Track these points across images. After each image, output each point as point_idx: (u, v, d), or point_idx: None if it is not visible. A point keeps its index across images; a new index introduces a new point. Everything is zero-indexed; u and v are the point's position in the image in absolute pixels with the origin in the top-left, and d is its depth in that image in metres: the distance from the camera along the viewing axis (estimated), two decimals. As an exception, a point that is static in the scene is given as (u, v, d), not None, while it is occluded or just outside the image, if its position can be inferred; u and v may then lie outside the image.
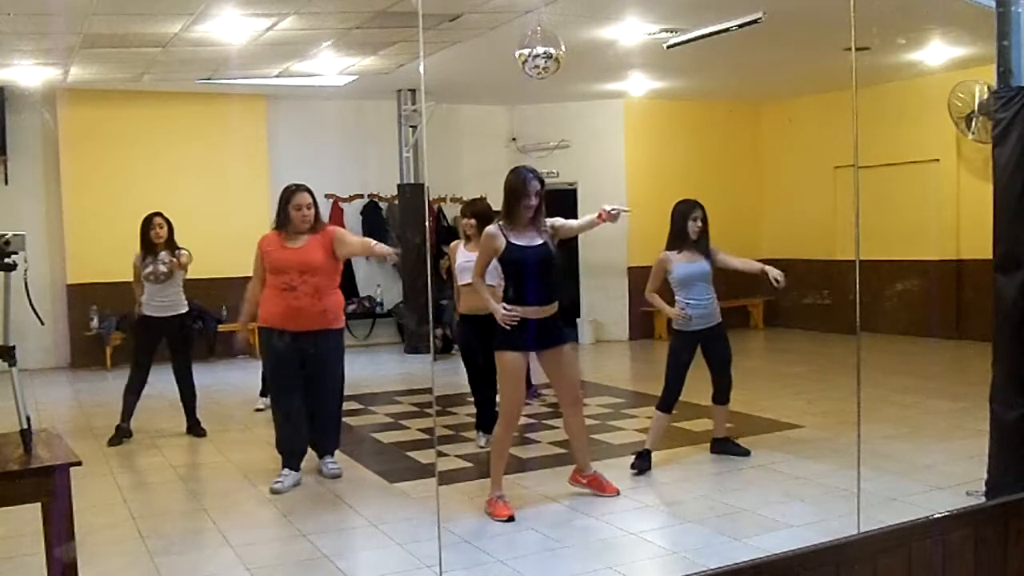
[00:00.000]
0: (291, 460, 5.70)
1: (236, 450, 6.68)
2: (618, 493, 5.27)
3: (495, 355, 4.97)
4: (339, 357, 5.86)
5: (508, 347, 4.89)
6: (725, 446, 6.11)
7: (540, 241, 4.93)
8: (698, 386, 6.15)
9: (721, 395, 6.01)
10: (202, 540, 4.83)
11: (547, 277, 4.93)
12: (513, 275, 4.93)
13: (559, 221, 5.08)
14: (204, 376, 8.57)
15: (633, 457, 5.85)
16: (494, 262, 5.04)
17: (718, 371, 5.98)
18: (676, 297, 5.82)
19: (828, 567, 2.35)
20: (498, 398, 5.34)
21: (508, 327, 4.84)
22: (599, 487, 5.28)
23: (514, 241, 4.89)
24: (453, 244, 6.73)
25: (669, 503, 5.27)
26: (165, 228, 7.01)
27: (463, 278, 6.24)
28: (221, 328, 11.00)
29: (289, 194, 5.67)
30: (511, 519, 4.83)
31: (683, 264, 5.74)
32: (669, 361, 5.83)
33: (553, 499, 5.27)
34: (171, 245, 7.01)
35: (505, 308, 4.84)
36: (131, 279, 7.17)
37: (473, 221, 6.35)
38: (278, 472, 5.68)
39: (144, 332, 7.06)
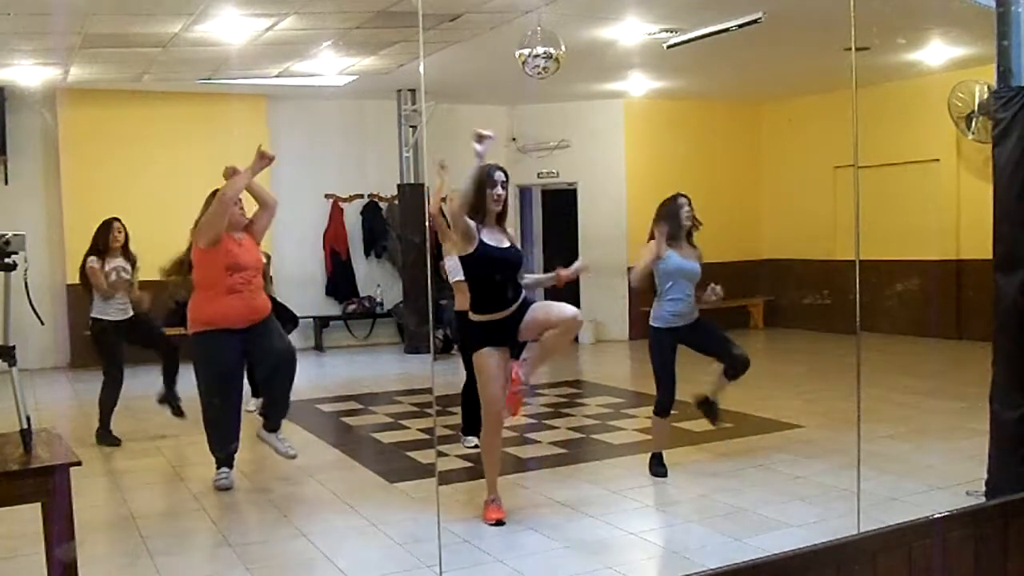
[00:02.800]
0: (228, 460, 5.72)
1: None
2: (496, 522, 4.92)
3: (474, 355, 4.86)
4: (280, 333, 5.77)
5: (482, 344, 4.80)
6: (708, 407, 5.86)
7: (507, 244, 4.87)
8: (695, 385, 6.13)
9: (734, 369, 5.66)
10: (202, 540, 4.83)
11: (514, 281, 4.85)
12: (480, 276, 4.79)
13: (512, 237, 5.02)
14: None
15: (633, 456, 5.83)
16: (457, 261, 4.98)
17: (722, 351, 5.70)
18: (660, 289, 5.66)
19: (828, 567, 2.35)
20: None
21: (481, 329, 4.79)
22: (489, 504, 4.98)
23: (485, 240, 4.77)
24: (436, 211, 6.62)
25: (669, 503, 5.27)
26: (124, 233, 7.06)
27: (456, 276, 6.22)
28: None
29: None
30: (500, 523, 4.78)
31: (677, 256, 5.63)
32: (653, 361, 5.67)
33: (553, 499, 5.27)
34: (126, 249, 7.07)
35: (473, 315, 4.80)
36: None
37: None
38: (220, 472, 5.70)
39: (109, 337, 7.01)
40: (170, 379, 7.19)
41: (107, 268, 6.98)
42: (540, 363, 5.02)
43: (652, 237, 5.72)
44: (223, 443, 5.70)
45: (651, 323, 5.72)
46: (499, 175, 4.85)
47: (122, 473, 6.18)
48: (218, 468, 5.72)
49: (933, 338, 11.22)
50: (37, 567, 3.47)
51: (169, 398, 7.17)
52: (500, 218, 4.89)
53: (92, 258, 7.02)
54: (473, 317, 4.85)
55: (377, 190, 12.61)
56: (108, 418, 7.01)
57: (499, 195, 4.82)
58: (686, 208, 5.72)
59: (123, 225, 7.10)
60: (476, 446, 6.40)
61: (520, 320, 4.79)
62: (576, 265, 5.24)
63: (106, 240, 6.99)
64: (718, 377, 5.81)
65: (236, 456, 5.79)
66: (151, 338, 7.22)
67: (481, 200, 4.78)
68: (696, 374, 5.98)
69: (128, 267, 7.04)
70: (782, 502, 5.11)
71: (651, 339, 5.72)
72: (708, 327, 5.77)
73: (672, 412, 5.73)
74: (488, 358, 4.79)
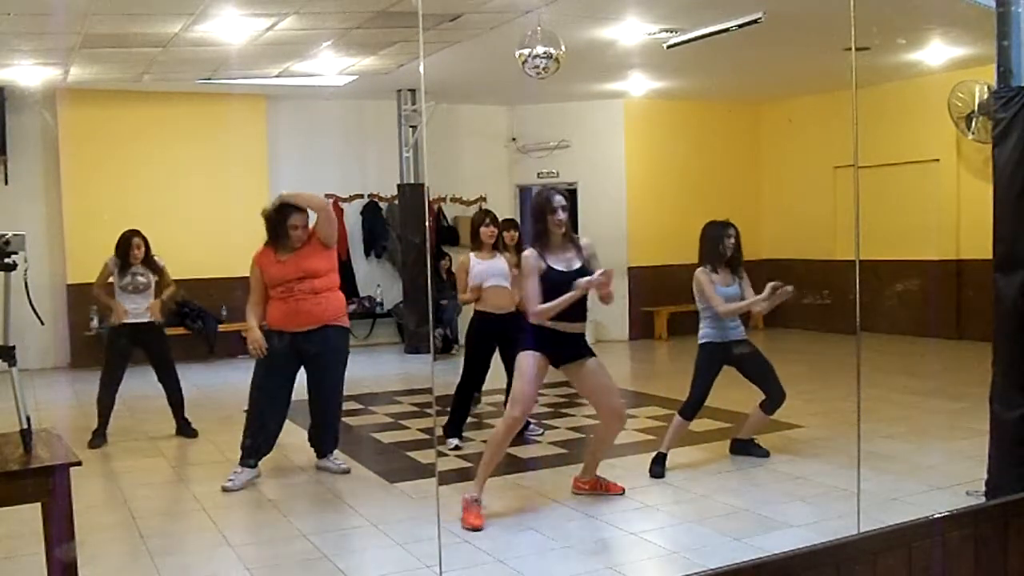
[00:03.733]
0: (252, 459, 5.77)
1: (236, 450, 6.63)
2: (623, 492, 5.28)
3: (518, 355, 4.94)
4: (341, 356, 5.89)
5: (532, 348, 4.90)
6: (746, 446, 6.07)
7: (579, 265, 4.92)
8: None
9: (771, 405, 5.89)
10: (202, 540, 4.83)
11: (583, 298, 4.89)
12: (550, 295, 4.84)
13: (592, 248, 5.08)
14: (204, 376, 8.62)
15: (633, 456, 5.83)
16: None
17: (764, 384, 5.88)
18: (702, 316, 5.77)
19: (828, 567, 2.35)
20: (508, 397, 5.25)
21: (536, 334, 4.87)
22: (603, 488, 5.28)
23: (553, 265, 4.87)
24: (463, 259, 6.72)
25: (669, 503, 5.26)
26: (143, 248, 7.03)
27: (489, 281, 6.42)
28: (221, 328, 11.00)
29: (286, 214, 5.67)
30: (476, 529, 4.72)
31: (720, 287, 5.71)
32: (696, 372, 5.76)
33: (553, 499, 5.27)
34: (148, 260, 7.05)
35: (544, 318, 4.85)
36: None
37: (516, 234, 6.72)
38: (247, 471, 5.76)
39: (119, 339, 7.04)
40: (179, 410, 7.20)
41: (124, 276, 6.97)
42: (595, 461, 5.30)
43: (701, 262, 5.79)
44: (250, 441, 5.79)
45: (699, 341, 5.79)
46: (558, 199, 4.91)
47: (122, 473, 6.18)
48: (239, 466, 5.76)
49: (933, 338, 11.22)
50: (37, 567, 3.47)
51: (185, 431, 7.15)
52: (566, 236, 4.94)
53: (111, 260, 7.03)
54: (537, 321, 4.89)
55: (377, 190, 12.61)
56: (106, 420, 7.00)
57: (560, 220, 4.89)
58: (730, 237, 5.81)
59: (143, 239, 7.04)
60: (457, 447, 6.45)
61: (575, 342, 4.97)
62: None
63: (126, 255, 6.98)
64: (754, 414, 6.02)
65: (236, 457, 5.81)
66: (157, 358, 7.17)
67: (544, 225, 4.89)
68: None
69: (146, 276, 7.01)
70: (782, 502, 5.11)
71: (700, 355, 5.78)
72: (756, 358, 5.89)
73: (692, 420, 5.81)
74: (532, 359, 4.88)
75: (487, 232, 6.58)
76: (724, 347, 5.74)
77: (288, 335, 5.66)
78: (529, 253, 4.92)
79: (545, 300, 4.83)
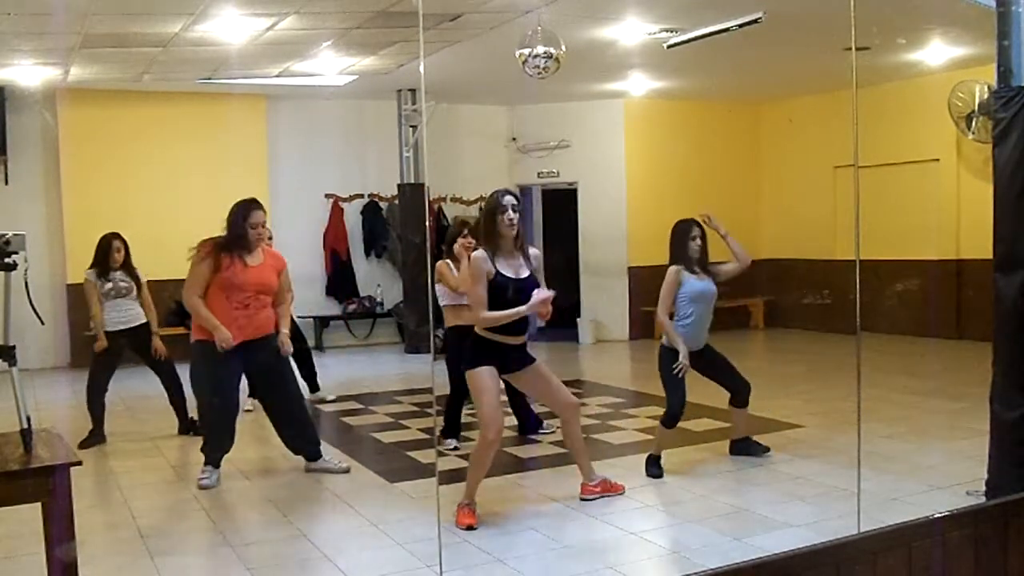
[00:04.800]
0: (217, 460, 5.82)
1: (233, 450, 6.67)
2: (623, 492, 5.29)
3: (470, 374, 4.83)
4: (283, 359, 5.93)
5: (478, 364, 4.81)
6: (745, 446, 6.05)
7: (526, 274, 4.85)
8: (698, 387, 6.13)
9: (739, 399, 5.90)
10: (202, 540, 4.83)
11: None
12: (495, 304, 4.76)
13: (539, 259, 5.03)
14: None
15: (633, 456, 5.83)
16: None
17: (725, 380, 5.90)
18: (678, 314, 5.73)
19: (828, 567, 2.35)
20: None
21: (480, 350, 4.81)
22: (609, 489, 5.28)
23: (502, 270, 4.78)
24: (441, 264, 6.52)
25: (669, 503, 5.26)
26: (123, 250, 7.02)
27: (444, 300, 6.39)
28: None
29: (246, 210, 5.65)
30: (471, 528, 4.73)
31: (694, 280, 5.68)
32: (664, 381, 5.70)
33: (553, 499, 5.27)
34: (127, 265, 7.05)
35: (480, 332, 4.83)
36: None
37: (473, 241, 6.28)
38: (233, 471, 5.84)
39: (109, 345, 7.00)
40: (181, 409, 7.20)
41: (105, 282, 6.96)
42: (585, 458, 5.25)
43: (671, 261, 5.73)
44: (212, 447, 5.84)
45: (662, 343, 5.76)
46: (509, 199, 4.82)
47: (122, 473, 6.17)
48: (206, 465, 5.80)
49: (933, 338, 11.22)
50: (37, 567, 3.47)
51: (190, 428, 7.12)
52: (517, 243, 4.86)
53: (90, 271, 7.01)
54: (481, 334, 4.83)
55: (377, 190, 12.61)
56: (100, 423, 7.00)
57: (511, 219, 4.79)
58: (695, 238, 5.72)
59: (123, 243, 7.04)
60: (455, 448, 6.46)
61: (520, 352, 4.91)
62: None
63: (105, 258, 6.98)
64: (733, 415, 6.02)
65: (236, 457, 5.82)
66: (146, 349, 7.15)
67: (492, 226, 4.80)
68: (699, 380, 5.95)
69: (128, 280, 7.00)
70: (782, 502, 5.10)
71: (664, 359, 5.72)
72: (713, 356, 5.86)
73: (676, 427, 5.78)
74: (485, 375, 4.79)
75: (464, 244, 6.30)
76: (676, 352, 5.63)
77: (236, 345, 5.60)
78: (479, 255, 4.82)
79: (490, 306, 4.75)
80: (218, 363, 5.61)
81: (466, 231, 6.41)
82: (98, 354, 7.06)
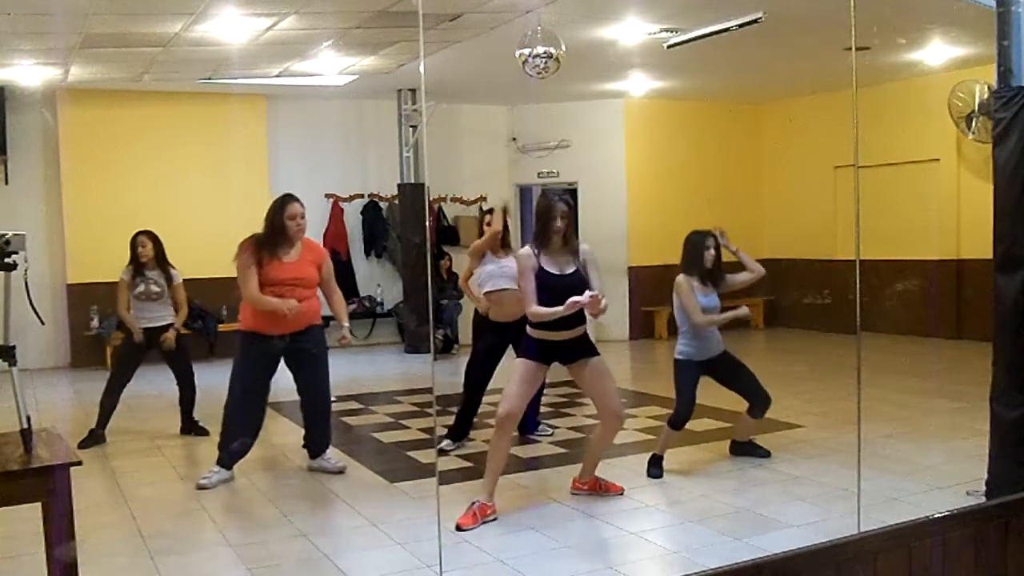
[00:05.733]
0: (230, 461, 5.79)
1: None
2: (623, 492, 5.29)
3: (516, 360, 5.03)
4: (326, 353, 5.99)
5: (530, 357, 4.95)
6: (746, 447, 6.05)
7: (572, 269, 4.93)
8: (700, 388, 6.12)
9: (757, 411, 5.85)
10: (202, 540, 4.83)
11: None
12: (543, 301, 4.84)
13: (590, 254, 5.06)
14: (204, 376, 8.54)
15: (633, 456, 5.83)
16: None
17: (747, 392, 5.83)
18: (680, 329, 5.73)
19: (828, 567, 2.35)
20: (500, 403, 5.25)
21: (530, 342, 4.94)
22: (603, 488, 5.28)
23: (546, 267, 4.89)
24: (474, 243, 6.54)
25: (669, 503, 5.26)
26: (149, 246, 7.00)
27: (490, 284, 6.26)
28: (221, 328, 10.99)
29: (283, 204, 5.72)
30: (460, 528, 4.72)
31: (701, 296, 5.68)
32: (677, 387, 5.74)
33: (553, 499, 5.27)
34: (162, 262, 7.05)
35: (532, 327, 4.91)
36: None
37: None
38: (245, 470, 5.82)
39: (132, 343, 7.03)
40: (188, 409, 7.20)
41: (136, 283, 6.97)
42: (592, 462, 5.31)
43: (682, 271, 5.73)
44: (228, 442, 5.79)
45: (677, 356, 5.75)
46: (560, 207, 4.90)
47: (122, 473, 6.17)
48: (216, 465, 5.78)
49: (933, 338, 11.22)
50: (37, 567, 3.47)
51: (194, 429, 7.14)
52: (565, 242, 4.95)
53: (126, 271, 7.02)
54: (531, 332, 4.95)
55: (377, 190, 12.61)
56: (106, 420, 7.01)
57: (558, 228, 4.89)
58: (710, 248, 5.74)
59: (150, 239, 7.02)
60: (456, 447, 6.44)
61: (575, 344, 4.97)
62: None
63: (135, 255, 6.98)
64: (743, 419, 5.99)
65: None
66: (175, 361, 7.17)
67: (543, 230, 4.92)
68: (703, 382, 5.94)
69: (160, 284, 7.00)
70: (782, 502, 5.11)
71: (678, 372, 5.74)
72: (734, 365, 5.84)
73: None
74: (525, 365, 4.95)
75: (487, 222, 6.38)
76: (699, 365, 5.69)
77: (269, 337, 5.67)
78: (525, 252, 4.97)
79: (537, 301, 4.87)
80: (260, 355, 5.70)
81: (488, 217, 6.48)
82: (123, 351, 7.08)
